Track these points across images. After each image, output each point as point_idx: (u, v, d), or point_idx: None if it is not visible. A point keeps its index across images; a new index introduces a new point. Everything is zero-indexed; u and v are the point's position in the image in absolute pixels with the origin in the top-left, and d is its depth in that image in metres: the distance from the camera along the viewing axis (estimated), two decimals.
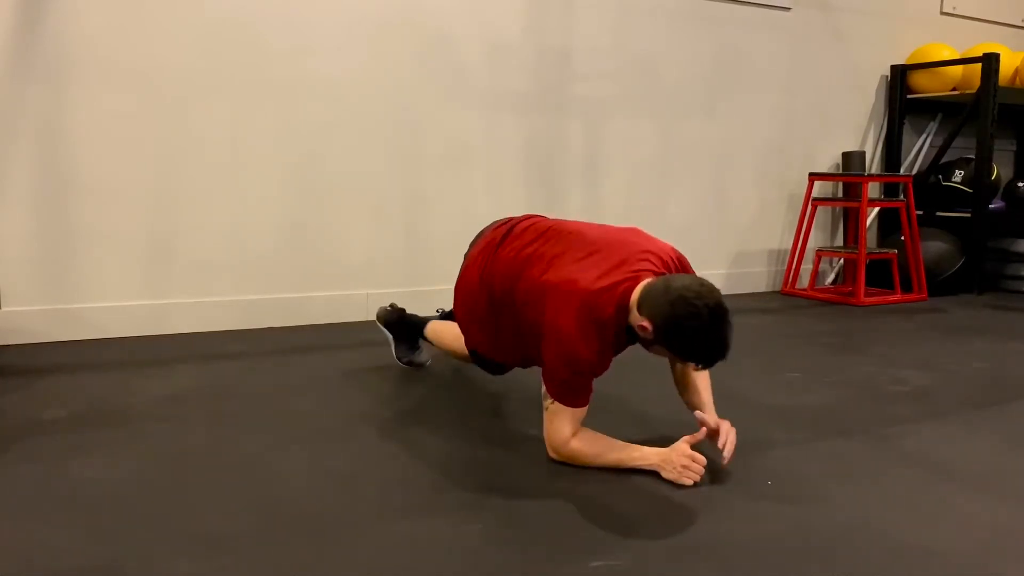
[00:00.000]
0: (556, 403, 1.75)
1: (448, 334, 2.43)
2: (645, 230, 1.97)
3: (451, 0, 3.42)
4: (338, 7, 3.21)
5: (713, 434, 1.77)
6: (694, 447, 1.73)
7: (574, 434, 1.76)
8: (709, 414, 1.81)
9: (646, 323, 1.63)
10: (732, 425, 1.79)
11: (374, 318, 3.40)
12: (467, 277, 2.07)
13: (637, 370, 2.32)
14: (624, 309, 1.69)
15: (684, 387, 1.92)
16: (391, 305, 2.69)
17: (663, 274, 1.74)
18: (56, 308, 2.88)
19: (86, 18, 2.82)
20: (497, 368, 2.21)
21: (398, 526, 1.48)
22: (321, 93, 3.22)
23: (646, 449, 1.76)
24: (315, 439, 1.93)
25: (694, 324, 1.57)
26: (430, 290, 3.42)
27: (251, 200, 3.15)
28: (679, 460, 1.70)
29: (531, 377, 2.26)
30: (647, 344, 1.70)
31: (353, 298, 3.37)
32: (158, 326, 3.03)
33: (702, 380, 1.91)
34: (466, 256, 2.15)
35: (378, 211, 3.39)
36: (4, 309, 2.82)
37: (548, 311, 1.74)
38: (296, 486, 1.65)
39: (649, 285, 1.67)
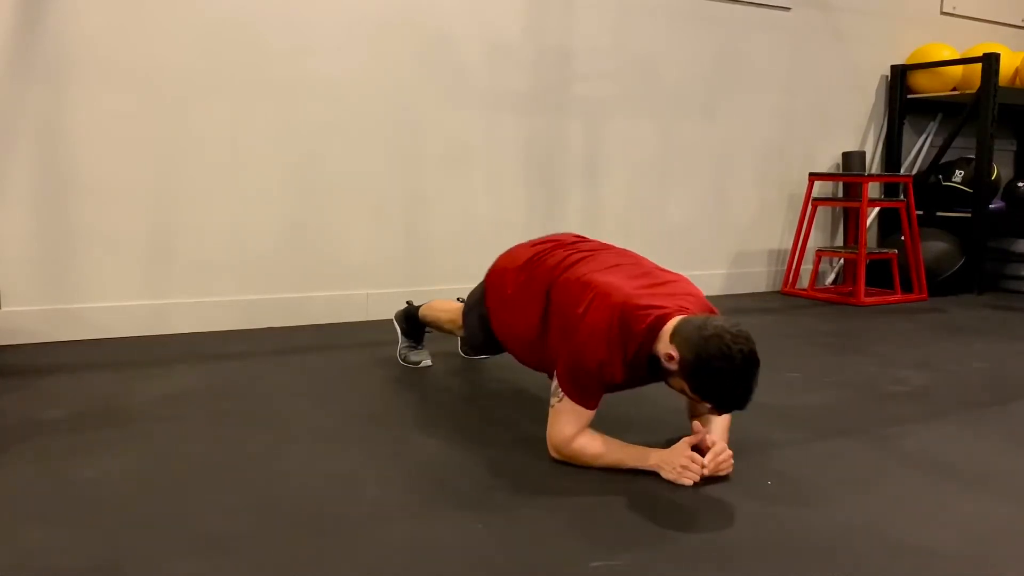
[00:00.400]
0: (565, 400, 1.75)
1: (438, 306, 2.49)
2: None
3: (451, 0, 3.42)
4: (338, 7, 3.21)
5: (704, 448, 1.73)
6: (694, 448, 1.73)
7: (577, 434, 1.76)
8: (710, 435, 1.75)
9: (674, 352, 1.61)
10: (730, 451, 1.74)
11: (373, 318, 3.41)
12: (515, 253, 2.11)
13: None
14: (654, 333, 1.68)
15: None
16: (408, 302, 2.71)
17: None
18: (56, 308, 2.88)
19: (86, 18, 2.82)
20: (487, 343, 2.19)
21: (398, 526, 1.48)
22: (321, 93, 3.22)
23: (646, 449, 1.76)
24: (315, 439, 1.93)
25: (723, 365, 1.55)
26: (430, 290, 3.41)
27: (251, 200, 3.15)
28: (678, 460, 1.70)
29: (531, 378, 2.26)
30: (667, 376, 1.68)
31: (353, 298, 3.37)
32: (158, 326, 3.03)
33: (720, 429, 1.83)
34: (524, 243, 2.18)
35: (378, 211, 3.39)
36: (4, 309, 2.82)
37: (583, 306, 1.75)
38: (296, 486, 1.65)
39: (686, 319, 1.66)
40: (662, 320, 1.68)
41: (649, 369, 1.72)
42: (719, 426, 1.82)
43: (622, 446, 1.78)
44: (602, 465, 1.76)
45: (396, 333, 2.69)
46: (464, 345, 2.70)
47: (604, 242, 2.14)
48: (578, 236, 2.16)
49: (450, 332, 2.47)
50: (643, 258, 2.01)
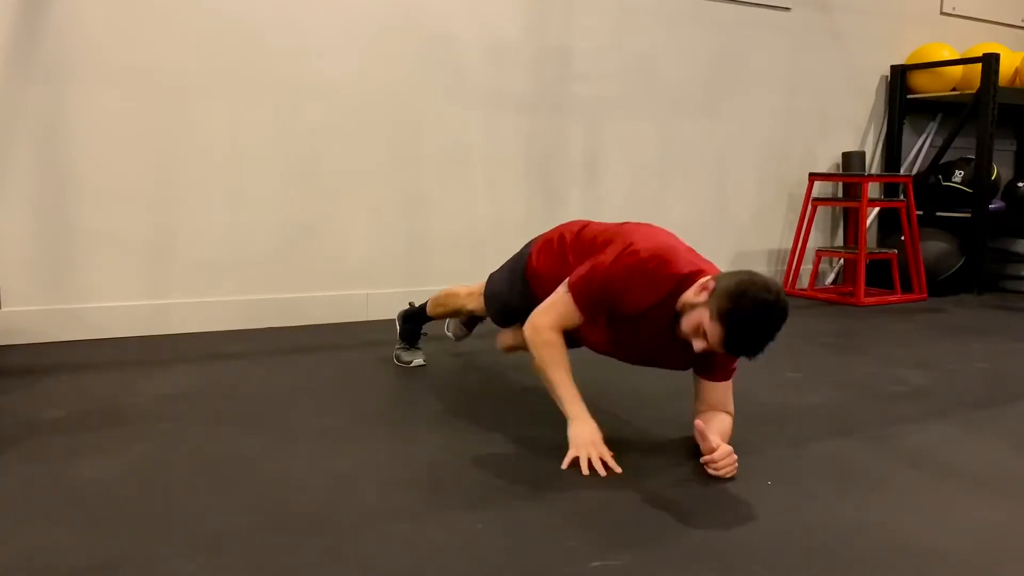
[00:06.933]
0: (566, 293, 1.78)
1: (451, 289, 2.50)
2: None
3: (451, 0, 3.42)
4: (338, 7, 3.21)
5: (706, 450, 1.72)
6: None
7: (553, 328, 1.79)
8: (714, 436, 1.73)
9: (711, 283, 1.64)
10: (735, 456, 1.72)
11: (373, 318, 3.40)
12: (553, 232, 2.13)
13: (635, 371, 2.32)
14: (692, 280, 1.70)
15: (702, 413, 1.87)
16: (410, 303, 2.72)
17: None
18: (56, 308, 2.88)
19: (86, 18, 2.82)
20: (512, 311, 2.20)
21: (398, 526, 1.48)
22: (321, 93, 3.22)
23: (580, 406, 1.79)
24: (315, 439, 1.93)
25: (751, 304, 1.58)
26: (430, 290, 3.40)
27: (251, 200, 3.15)
28: (592, 449, 1.73)
29: (533, 379, 2.26)
30: (684, 315, 1.68)
31: (353, 298, 3.37)
32: (158, 326, 3.03)
33: (719, 431, 1.82)
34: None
35: (378, 211, 3.39)
36: (4, 309, 2.82)
37: (623, 240, 1.79)
38: (296, 486, 1.65)
39: (725, 273, 1.70)
40: (702, 273, 1.72)
41: (669, 324, 1.74)
42: (719, 427, 1.81)
43: (569, 384, 1.80)
44: (540, 371, 1.81)
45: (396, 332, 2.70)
46: (459, 328, 2.67)
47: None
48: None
49: (459, 311, 2.46)
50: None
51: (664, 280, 1.73)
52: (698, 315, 1.64)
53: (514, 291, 2.17)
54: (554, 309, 1.81)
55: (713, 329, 1.61)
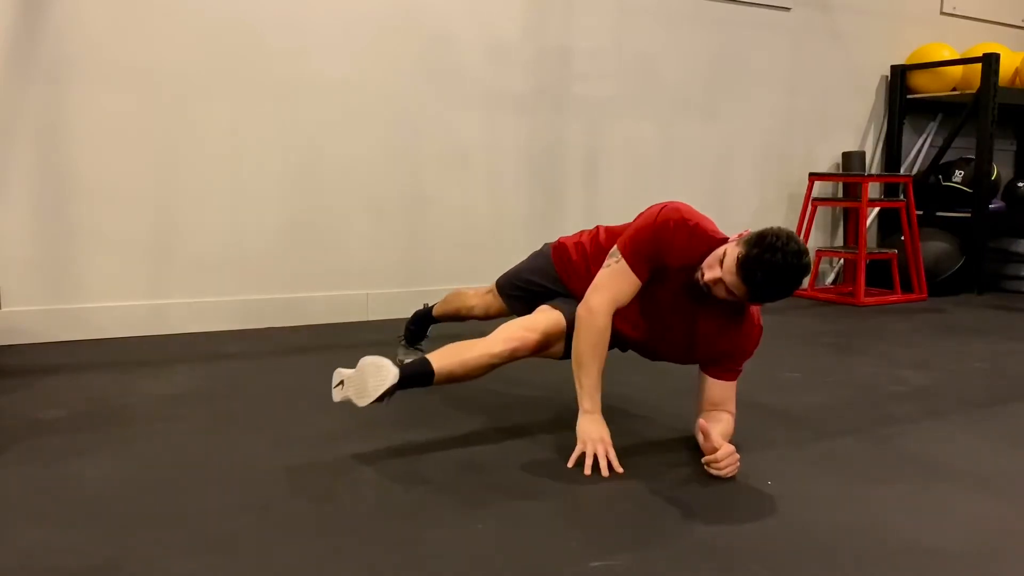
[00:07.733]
0: (619, 261, 1.79)
1: (460, 290, 2.45)
2: None
3: (451, 0, 3.42)
4: (338, 7, 3.21)
5: (708, 450, 1.72)
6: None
7: (609, 313, 1.79)
8: (716, 435, 1.72)
9: (744, 233, 1.69)
10: (738, 455, 1.71)
11: (373, 318, 3.40)
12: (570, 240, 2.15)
13: (637, 371, 2.32)
14: (722, 243, 1.73)
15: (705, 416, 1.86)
16: (424, 304, 2.69)
17: None
18: (56, 308, 2.88)
19: (86, 18, 2.82)
20: (532, 297, 2.17)
21: (398, 526, 1.48)
22: (321, 93, 3.22)
23: (597, 404, 1.80)
24: (315, 439, 1.93)
25: (775, 252, 1.61)
26: (430, 290, 3.41)
27: (251, 200, 3.15)
28: (599, 447, 1.74)
29: (532, 380, 2.26)
30: (706, 270, 1.70)
31: (353, 298, 3.37)
32: (158, 326, 3.02)
33: (723, 432, 1.81)
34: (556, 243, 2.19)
35: (378, 211, 3.39)
36: (4, 309, 2.82)
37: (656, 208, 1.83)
38: (296, 486, 1.65)
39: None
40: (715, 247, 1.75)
41: (693, 287, 1.76)
42: (721, 427, 1.81)
43: (596, 378, 1.80)
44: (575, 353, 1.81)
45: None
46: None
47: None
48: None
49: (461, 310, 2.43)
50: None
51: (702, 239, 1.77)
52: (723, 248, 1.69)
53: (535, 267, 2.18)
54: (608, 286, 1.81)
55: (733, 253, 1.65)
